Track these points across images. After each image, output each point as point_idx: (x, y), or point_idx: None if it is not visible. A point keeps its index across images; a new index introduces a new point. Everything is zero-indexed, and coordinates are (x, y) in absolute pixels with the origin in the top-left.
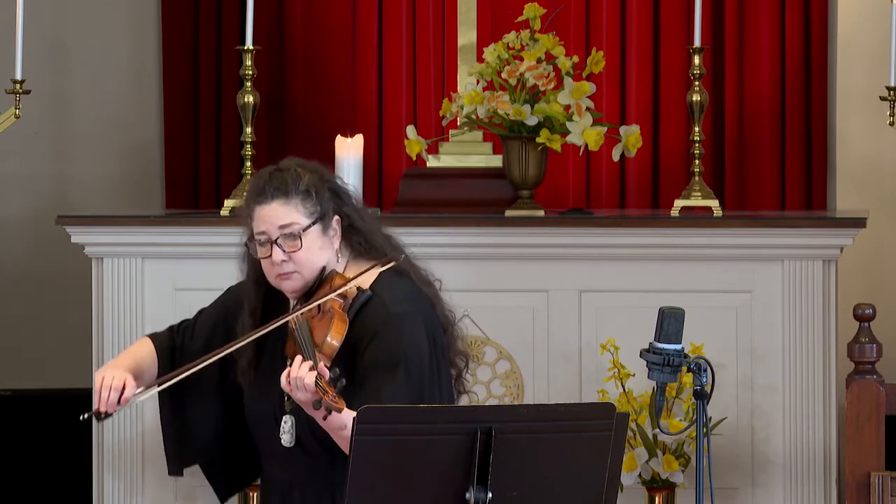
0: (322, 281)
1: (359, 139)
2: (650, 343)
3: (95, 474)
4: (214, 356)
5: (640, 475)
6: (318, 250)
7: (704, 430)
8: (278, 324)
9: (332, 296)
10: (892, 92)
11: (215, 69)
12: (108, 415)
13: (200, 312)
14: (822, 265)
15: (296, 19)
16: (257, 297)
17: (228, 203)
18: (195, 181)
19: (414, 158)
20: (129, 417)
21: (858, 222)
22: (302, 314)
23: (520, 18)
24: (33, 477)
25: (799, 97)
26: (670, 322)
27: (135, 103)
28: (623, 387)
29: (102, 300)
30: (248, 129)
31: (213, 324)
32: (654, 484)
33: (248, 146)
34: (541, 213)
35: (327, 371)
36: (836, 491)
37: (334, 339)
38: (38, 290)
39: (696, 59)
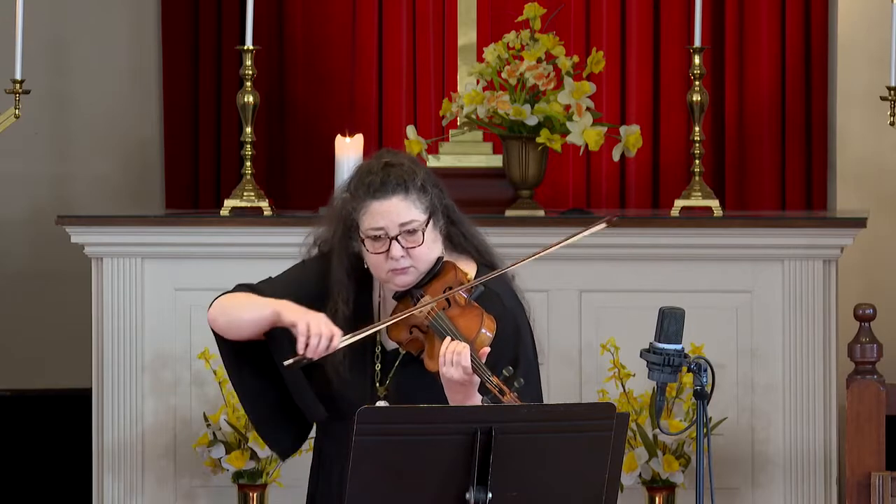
0: (438, 271)
1: (359, 139)
2: (650, 343)
3: (95, 474)
4: (376, 327)
5: (640, 475)
6: (433, 244)
7: (704, 430)
8: (414, 311)
9: (460, 290)
10: (892, 92)
11: (215, 69)
12: (310, 360)
13: (268, 284)
14: (822, 265)
15: (296, 19)
16: (350, 286)
17: (228, 203)
18: (195, 181)
19: None
20: (129, 418)
21: (858, 222)
22: (434, 308)
23: (520, 18)
24: (33, 477)
25: (799, 97)
26: (670, 322)
27: (135, 103)
28: (623, 387)
29: (102, 300)
30: (248, 129)
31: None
32: (655, 484)
33: (248, 146)
34: (541, 213)
35: (487, 350)
36: (837, 491)
37: (488, 332)
38: (38, 290)
39: (697, 59)
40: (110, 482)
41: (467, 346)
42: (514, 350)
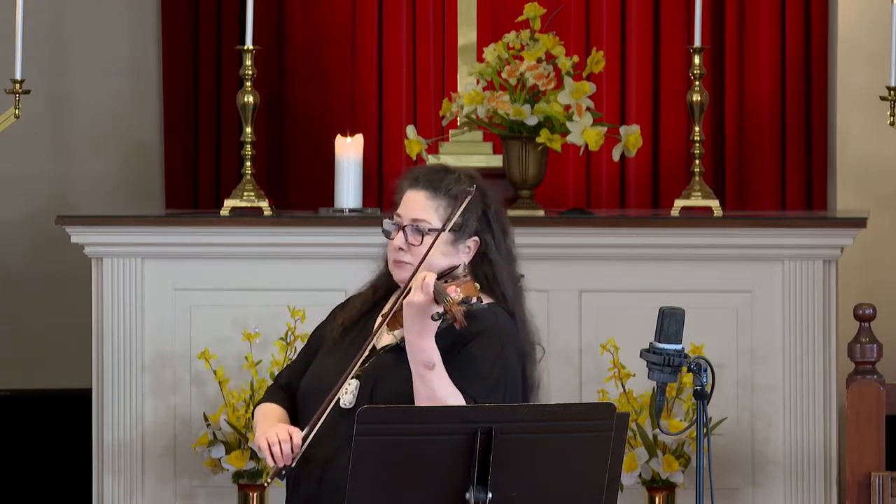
0: (446, 273)
1: (359, 139)
2: (650, 343)
3: (95, 474)
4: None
5: (640, 475)
6: (440, 255)
7: (704, 430)
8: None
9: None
10: (892, 92)
11: (215, 69)
12: (287, 468)
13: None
14: (823, 265)
15: (296, 19)
16: (384, 279)
17: (228, 203)
18: (195, 181)
19: (414, 158)
20: (129, 418)
21: (858, 222)
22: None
23: (520, 18)
24: (33, 477)
25: (799, 97)
26: (670, 322)
27: (135, 103)
28: (623, 387)
29: (102, 300)
30: (248, 129)
31: (317, 337)
32: (655, 484)
33: (248, 146)
34: (541, 213)
35: (455, 288)
36: (837, 491)
37: (461, 291)
38: (38, 290)
39: (697, 59)
40: (110, 482)
41: (433, 275)
42: (491, 361)
